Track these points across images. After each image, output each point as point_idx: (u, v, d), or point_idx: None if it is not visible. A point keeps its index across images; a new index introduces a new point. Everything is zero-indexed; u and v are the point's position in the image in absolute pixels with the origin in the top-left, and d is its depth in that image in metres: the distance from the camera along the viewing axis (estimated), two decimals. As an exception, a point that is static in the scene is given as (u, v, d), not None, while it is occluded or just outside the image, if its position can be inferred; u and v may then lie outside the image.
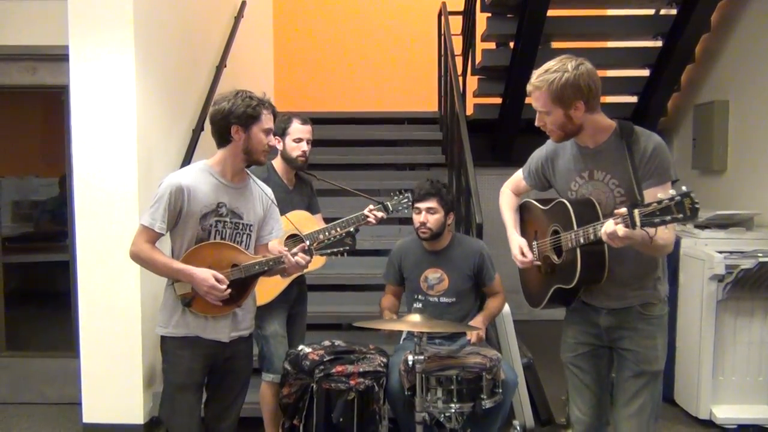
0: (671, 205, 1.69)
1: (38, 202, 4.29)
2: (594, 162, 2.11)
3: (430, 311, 2.95)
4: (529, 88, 2.07)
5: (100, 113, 3.38)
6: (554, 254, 2.17)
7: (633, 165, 1.98)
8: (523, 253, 2.24)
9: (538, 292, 2.29)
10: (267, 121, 2.29)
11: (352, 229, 2.31)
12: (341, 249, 2.29)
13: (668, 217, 1.70)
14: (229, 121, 2.25)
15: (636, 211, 1.75)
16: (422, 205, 2.98)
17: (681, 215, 1.68)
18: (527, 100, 5.54)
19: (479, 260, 3.03)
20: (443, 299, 3.00)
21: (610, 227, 1.82)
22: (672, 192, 1.70)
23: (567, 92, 1.98)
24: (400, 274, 3.12)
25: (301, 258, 2.25)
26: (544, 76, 2.01)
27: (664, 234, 1.88)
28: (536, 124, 2.10)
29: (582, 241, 1.99)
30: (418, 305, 2.65)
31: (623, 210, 1.80)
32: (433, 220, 2.96)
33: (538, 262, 2.23)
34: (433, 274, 3.02)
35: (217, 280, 2.18)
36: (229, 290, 2.21)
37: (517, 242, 2.29)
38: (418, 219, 3.00)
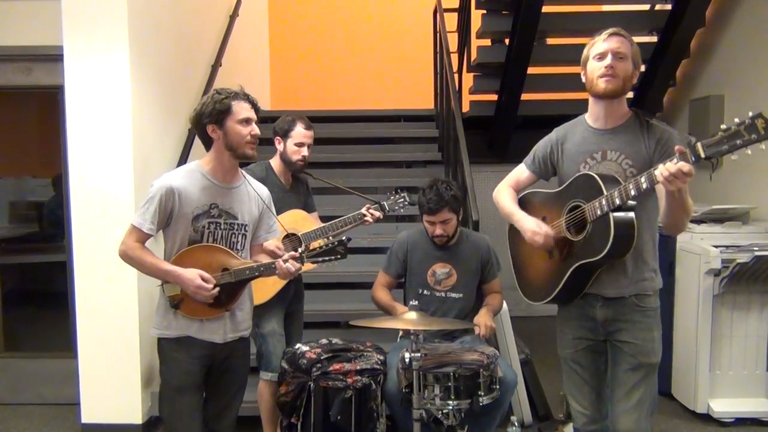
0: (740, 129, 1.66)
1: (35, 203, 4.28)
2: (608, 142, 2.16)
3: (435, 306, 2.95)
4: (611, 31, 2.11)
5: (95, 113, 3.38)
6: (571, 232, 2.14)
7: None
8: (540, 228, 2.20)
9: (547, 281, 2.25)
10: (241, 111, 2.23)
11: (344, 238, 2.28)
12: (332, 258, 2.27)
13: (738, 141, 1.67)
14: (203, 122, 2.24)
15: (698, 144, 1.73)
16: (435, 219, 2.90)
17: (755, 136, 1.65)
18: (523, 97, 5.55)
19: (486, 255, 3.02)
20: (451, 294, 2.97)
21: (671, 168, 1.77)
22: (736, 120, 1.68)
23: (639, 55, 2.14)
24: (404, 267, 3.06)
25: (291, 265, 2.23)
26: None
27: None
28: (607, 63, 2.09)
29: (618, 201, 1.96)
30: (414, 302, 2.63)
31: (681, 147, 1.77)
32: (449, 228, 2.92)
33: (551, 232, 2.19)
34: (441, 269, 2.98)
35: (204, 279, 2.18)
36: (217, 290, 2.20)
37: (531, 221, 2.26)
38: (432, 230, 2.93)
